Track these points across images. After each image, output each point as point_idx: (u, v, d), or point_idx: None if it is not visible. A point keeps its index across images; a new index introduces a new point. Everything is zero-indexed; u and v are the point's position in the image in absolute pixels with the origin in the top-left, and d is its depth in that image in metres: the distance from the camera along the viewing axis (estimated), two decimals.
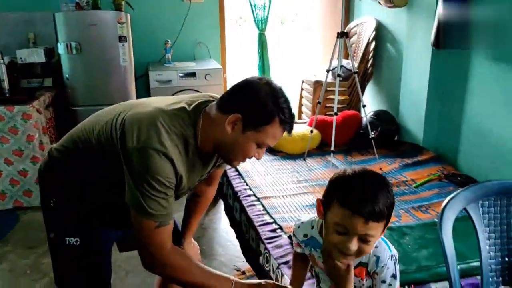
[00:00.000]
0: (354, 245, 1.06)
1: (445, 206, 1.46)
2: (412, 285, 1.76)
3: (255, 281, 1.35)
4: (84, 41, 3.57)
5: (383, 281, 1.19)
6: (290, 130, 1.28)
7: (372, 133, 3.17)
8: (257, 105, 1.22)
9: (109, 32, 3.60)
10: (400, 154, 3.20)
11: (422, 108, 3.22)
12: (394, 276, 1.19)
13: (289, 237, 2.08)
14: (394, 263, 1.20)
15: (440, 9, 2.77)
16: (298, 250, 1.39)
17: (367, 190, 1.06)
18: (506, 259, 1.51)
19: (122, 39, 3.64)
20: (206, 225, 3.14)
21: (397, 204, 2.47)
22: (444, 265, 1.49)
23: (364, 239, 1.07)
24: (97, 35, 3.58)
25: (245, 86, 1.28)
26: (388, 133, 3.43)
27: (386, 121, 3.46)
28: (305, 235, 1.30)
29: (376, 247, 1.17)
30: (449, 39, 2.79)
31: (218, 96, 1.37)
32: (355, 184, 1.08)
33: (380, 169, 2.98)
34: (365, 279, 1.21)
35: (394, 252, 1.22)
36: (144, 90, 4.09)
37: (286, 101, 1.26)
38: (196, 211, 1.75)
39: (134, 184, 1.19)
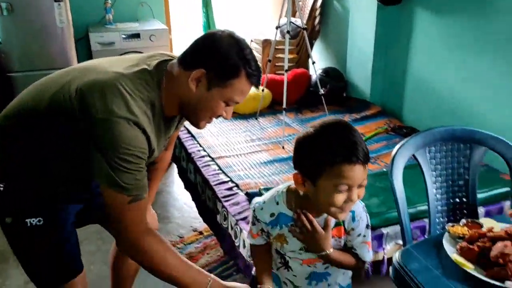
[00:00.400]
0: (356, 194, 1.05)
1: (396, 153, 1.52)
2: None
3: (234, 284, 1.25)
4: (16, 1, 3.30)
5: (358, 234, 1.18)
6: (257, 83, 1.20)
7: (322, 90, 3.21)
8: (221, 58, 1.14)
9: None
10: (349, 109, 3.28)
11: (369, 64, 3.29)
12: (367, 226, 1.19)
13: (249, 197, 2.09)
14: (366, 213, 1.19)
15: None
16: (258, 241, 1.26)
17: (349, 137, 1.04)
18: (451, 200, 1.61)
19: None
20: (160, 189, 3.09)
21: None
22: (394, 211, 1.57)
23: (361, 184, 1.05)
24: None
25: (207, 39, 1.19)
26: (337, 90, 3.48)
27: (335, 78, 3.52)
28: (272, 215, 1.20)
29: None
30: None
31: (173, 54, 1.28)
32: (335, 137, 1.04)
33: None
34: (342, 238, 1.19)
35: (363, 203, 1.20)
36: (85, 53, 3.87)
37: (251, 53, 1.19)
38: (154, 178, 1.64)
39: (104, 157, 1.08)
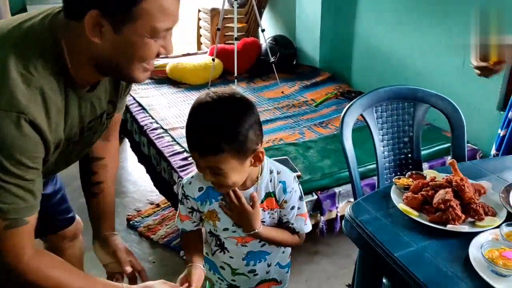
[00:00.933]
0: (208, 176, 1.02)
1: (344, 114, 1.57)
2: (319, 192, 1.92)
3: (148, 283, 1.08)
4: None
5: (292, 207, 1.14)
6: None
7: (272, 58, 3.23)
8: None
9: None
10: (299, 76, 3.33)
11: (317, 31, 3.33)
12: (301, 198, 1.16)
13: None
14: (298, 184, 1.15)
15: None
16: (187, 226, 1.19)
17: (197, 126, 0.98)
18: (398, 157, 1.69)
19: None
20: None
21: (300, 122, 2.61)
22: (345, 171, 1.64)
23: (217, 172, 1.00)
24: None
25: None
26: (287, 57, 3.52)
27: (284, 45, 3.54)
28: (200, 189, 1.13)
29: (278, 173, 1.12)
30: None
31: None
32: (191, 119, 1.00)
33: (282, 92, 3.08)
34: (274, 210, 1.15)
35: (294, 174, 1.18)
36: None
37: None
38: (105, 179, 1.27)
39: None
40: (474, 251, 1.02)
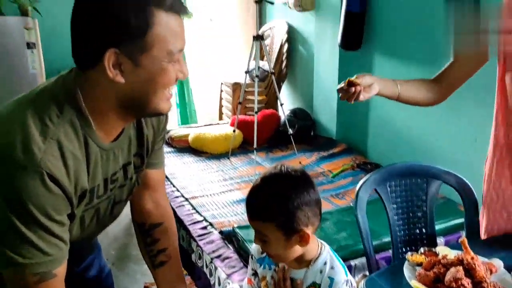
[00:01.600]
0: (256, 240, 1.08)
1: (359, 189, 1.64)
2: None
3: None
4: None
5: None
6: (176, 5, 0.86)
7: (290, 130, 3.36)
8: (117, 18, 0.81)
9: (15, 39, 3.42)
10: (317, 147, 3.43)
11: (334, 104, 3.47)
12: None
13: (223, 236, 2.15)
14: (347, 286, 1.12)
15: (342, 14, 3.04)
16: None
17: (255, 191, 1.07)
18: (412, 231, 1.72)
19: (30, 45, 3.48)
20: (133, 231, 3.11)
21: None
22: (361, 244, 1.67)
23: (260, 238, 1.06)
24: (2, 42, 3.39)
25: (78, 9, 0.84)
26: (305, 129, 3.64)
27: (302, 117, 3.69)
28: (262, 252, 1.17)
29: (332, 268, 1.11)
30: (351, 42, 3.07)
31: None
32: (255, 183, 1.08)
33: (300, 162, 3.17)
34: None
35: (351, 278, 1.14)
36: None
37: None
38: (168, 244, 1.26)
39: None
40: None
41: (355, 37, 3.07)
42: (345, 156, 3.22)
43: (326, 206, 2.47)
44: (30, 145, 0.80)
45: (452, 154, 2.59)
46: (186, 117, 4.66)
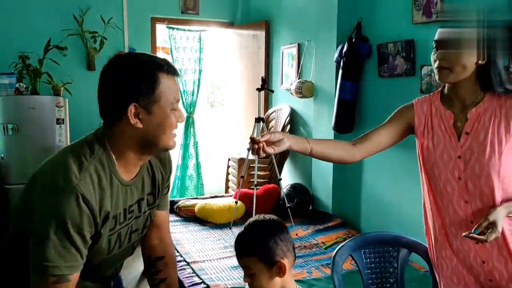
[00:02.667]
0: (245, 278, 1.33)
1: (336, 254, 1.88)
2: None
3: None
4: (22, 122, 3.79)
5: None
6: (171, 69, 1.21)
7: (289, 203, 3.62)
8: (134, 82, 1.16)
9: (47, 115, 3.87)
10: (313, 221, 3.66)
11: (330, 181, 3.76)
12: None
13: None
14: None
15: (336, 102, 3.44)
16: None
17: (240, 235, 1.35)
18: None
19: (59, 121, 3.91)
20: None
21: (309, 262, 2.87)
22: None
23: (247, 273, 1.32)
24: (35, 117, 3.83)
25: (105, 80, 1.19)
26: (303, 203, 3.90)
27: (302, 192, 3.96)
28: None
29: None
30: (344, 126, 3.43)
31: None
32: (239, 233, 1.37)
33: (296, 234, 3.40)
34: None
35: None
36: None
37: (143, 54, 1.21)
38: (169, 275, 1.49)
39: (35, 235, 1.09)
40: None
41: (347, 121, 3.44)
42: (340, 229, 3.45)
43: (316, 274, 2.67)
44: (69, 175, 1.10)
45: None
46: (197, 190, 5.01)
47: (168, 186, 1.50)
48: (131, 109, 1.15)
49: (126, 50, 4.53)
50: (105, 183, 1.17)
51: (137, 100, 1.15)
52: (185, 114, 5.10)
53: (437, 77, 1.52)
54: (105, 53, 4.40)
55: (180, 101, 4.93)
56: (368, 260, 1.94)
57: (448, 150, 1.53)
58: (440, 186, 1.57)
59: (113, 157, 1.20)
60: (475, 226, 1.39)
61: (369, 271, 1.92)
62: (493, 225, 1.37)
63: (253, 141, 1.36)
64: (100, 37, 4.36)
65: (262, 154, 1.39)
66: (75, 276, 1.13)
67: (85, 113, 4.42)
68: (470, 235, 1.38)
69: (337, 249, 1.89)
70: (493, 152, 1.45)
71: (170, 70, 1.20)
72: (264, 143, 1.37)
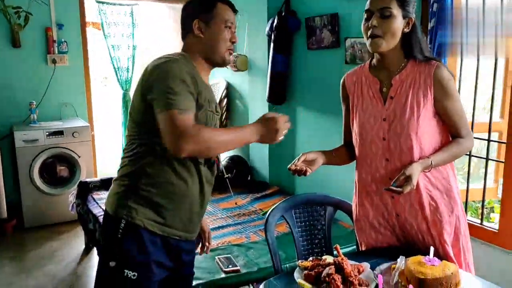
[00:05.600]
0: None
1: (269, 215, 2.01)
2: (255, 283, 2.27)
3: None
4: None
5: None
6: (227, 2, 1.60)
7: (228, 174, 3.74)
8: (196, 5, 1.58)
9: None
10: (251, 190, 3.82)
11: (266, 152, 3.92)
12: None
13: None
14: None
15: (269, 74, 3.56)
16: None
17: None
18: (315, 250, 2.09)
19: None
20: (79, 273, 3.30)
21: (247, 228, 3.02)
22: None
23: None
24: None
25: (183, 10, 1.63)
26: (242, 174, 4.04)
27: (240, 164, 4.10)
28: None
29: None
30: (277, 97, 3.57)
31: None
32: None
33: (235, 203, 3.54)
34: None
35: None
36: (8, 150, 4.12)
37: None
38: None
39: (157, 95, 1.41)
40: None
41: (280, 93, 3.58)
42: (276, 196, 3.63)
43: (254, 239, 2.83)
44: (169, 56, 1.52)
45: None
46: None
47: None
48: (195, 23, 1.56)
49: (54, 27, 4.36)
50: (197, 79, 1.50)
51: (198, 18, 1.55)
52: (121, 92, 5.02)
53: (369, 47, 1.65)
54: (30, 29, 4.21)
55: (116, 77, 4.89)
56: (299, 219, 2.10)
57: (375, 114, 1.70)
58: (366, 146, 1.74)
59: (191, 60, 1.55)
60: (393, 180, 1.57)
61: (299, 229, 2.08)
62: (409, 178, 1.55)
63: (293, 170, 1.69)
64: (24, 13, 4.15)
65: (309, 172, 1.73)
66: (192, 114, 1.42)
67: (11, 94, 4.25)
68: (389, 187, 1.56)
69: (270, 210, 2.03)
70: (412, 114, 1.63)
71: (225, 2, 1.60)
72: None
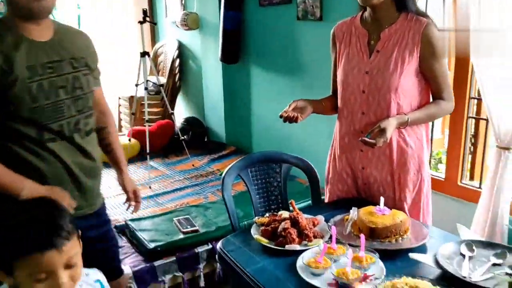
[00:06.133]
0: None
1: (225, 174, 2.01)
2: (214, 241, 2.30)
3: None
4: None
5: None
6: None
7: (184, 136, 3.69)
8: None
9: None
10: (208, 151, 3.81)
11: (221, 112, 3.88)
12: None
13: (117, 229, 2.41)
14: None
15: (221, 32, 3.47)
16: None
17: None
18: (272, 207, 2.12)
19: None
20: None
21: (205, 189, 3.03)
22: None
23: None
24: None
25: None
26: (198, 135, 4.01)
27: (196, 125, 4.05)
28: None
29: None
30: (230, 56, 3.50)
31: None
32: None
33: (193, 165, 3.52)
34: None
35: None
36: None
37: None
38: (113, 141, 1.80)
39: None
40: (300, 261, 1.44)
41: (233, 51, 3.51)
42: (233, 156, 3.63)
43: (212, 199, 2.84)
44: None
45: (310, 146, 3.09)
46: None
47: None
48: None
49: None
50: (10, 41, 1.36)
51: None
52: None
53: (360, 1, 1.63)
54: None
55: None
56: (255, 177, 2.11)
57: (359, 66, 1.70)
58: (346, 97, 1.75)
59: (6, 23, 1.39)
60: (368, 131, 1.59)
61: (256, 187, 2.10)
62: (383, 131, 1.56)
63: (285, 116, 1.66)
64: None
65: (300, 120, 1.66)
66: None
67: None
68: (363, 138, 1.57)
69: (226, 170, 2.03)
70: (395, 70, 1.63)
71: None
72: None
